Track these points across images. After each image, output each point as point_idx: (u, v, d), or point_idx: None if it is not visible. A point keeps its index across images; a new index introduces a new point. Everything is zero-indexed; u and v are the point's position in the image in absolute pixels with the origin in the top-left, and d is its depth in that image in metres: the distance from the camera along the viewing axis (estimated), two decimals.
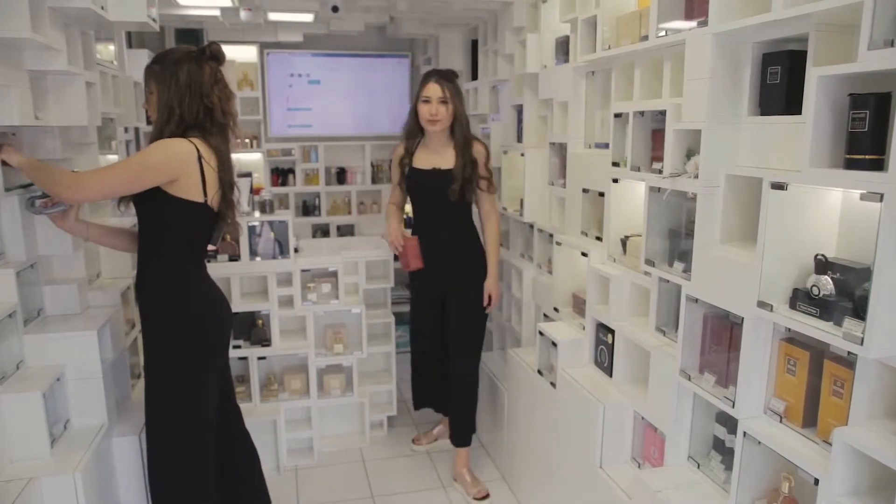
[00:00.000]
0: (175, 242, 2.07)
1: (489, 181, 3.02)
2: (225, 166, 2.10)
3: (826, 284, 1.58)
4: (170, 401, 2.09)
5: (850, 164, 1.48)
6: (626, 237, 2.46)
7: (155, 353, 2.10)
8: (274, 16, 4.25)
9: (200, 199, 2.03)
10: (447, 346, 3.16)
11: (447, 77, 2.93)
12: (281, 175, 5.29)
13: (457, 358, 3.14)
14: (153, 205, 2.01)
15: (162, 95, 2.03)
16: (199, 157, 2.00)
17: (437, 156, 3.00)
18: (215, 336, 2.15)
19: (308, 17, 4.32)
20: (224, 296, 2.24)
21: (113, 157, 3.01)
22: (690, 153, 2.02)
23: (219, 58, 2.08)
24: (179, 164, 1.97)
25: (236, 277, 3.24)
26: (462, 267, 3.07)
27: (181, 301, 2.07)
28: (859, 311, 1.47)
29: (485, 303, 3.06)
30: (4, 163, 2.06)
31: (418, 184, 3.04)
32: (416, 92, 2.99)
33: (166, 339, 2.07)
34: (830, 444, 1.52)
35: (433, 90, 2.90)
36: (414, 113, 2.99)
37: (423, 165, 3.02)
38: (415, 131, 3.03)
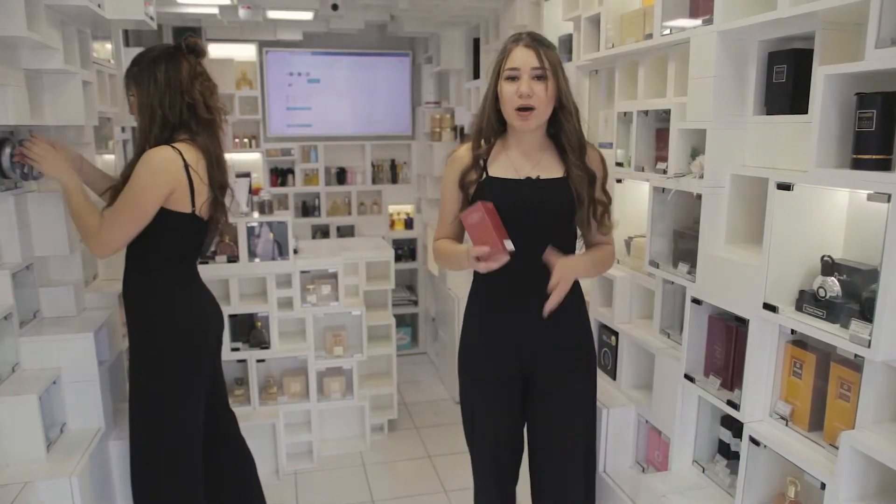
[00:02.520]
0: (159, 253, 2.02)
1: (606, 209, 1.89)
2: (215, 167, 2.03)
3: (833, 286, 1.57)
4: (149, 405, 2.06)
5: (857, 164, 1.47)
6: (630, 238, 2.45)
7: (138, 358, 2.07)
8: (273, 14, 4.22)
9: (187, 210, 1.97)
10: (535, 470, 2.02)
11: (544, 42, 1.80)
12: (280, 175, 5.26)
13: (556, 495, 1.98)
14: None
15: (142, 97, 1.97)
16: (186, 166, 1.93)
17: (527, 161, 1.86)
18: (199, 343, 2.10)
19: (308, 16, 4.30)
20: (214, 303, 2.20)
21: (110, 158, 2.99)
22: (695, 153, 2.01)
23: (197, 51, 2.03)
24: (169, 176, 1.91)
25: (235, 279, 3.21)
26: (562, 344, 1.90)
27: (164, 310, 2.03)
28: (866, 313, 1.46)
29: (553, 283, 1.74)
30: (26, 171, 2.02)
31: (501, 201, 1.79)
32: (495, 66, 1.82)
33: (148, 346, 2.04)
34: (837, 448, 1.52)
35: (523, 58, 1.74)
36: (493, 100, 1.83)
37: (508, 173, 1.85)
38: (492, 128, 1.87)
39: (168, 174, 1.91)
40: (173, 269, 2.06)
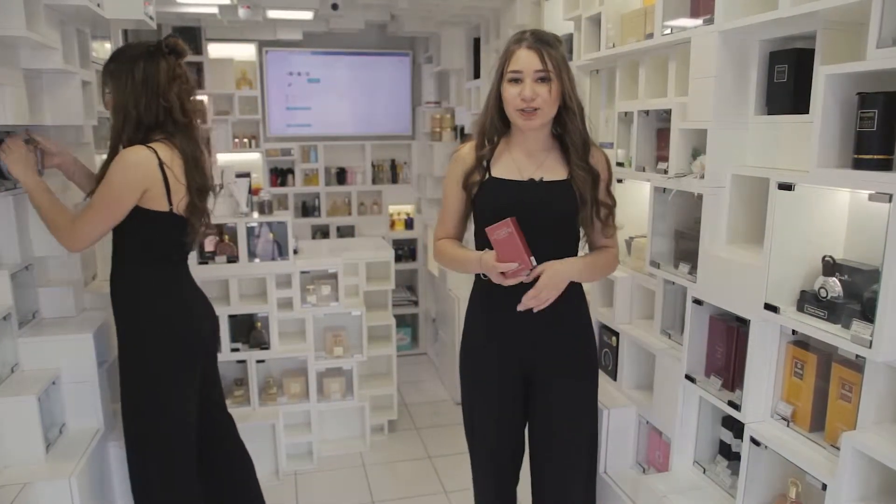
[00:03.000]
0: (141, 251, 2.01)
1: (610, 211, 1.86)
2: (193, 169, 1.99)
3: (834, 286, 1.57)
4: (140, 406, 2.05)
5: (859, 164, 1.46)
6: (631, 238, 2.44)
7: (126, 358, 2.06)
8: (273, 13, 4.21)
9: (164, 209, 1.95)
10: (536, 470, 2.00)
11: (548, 41, 1.76)
12: (280, 175, 5.25)
13: (556, 495, 1.96)
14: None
15: (117, 96, 1.94)
16: (161, 164, 1.91)
17: (531, 161, 1.84)
18: (188, 343, 2.09)
19: (307, 15, 4.29)
20: (206, 303, 2.19)
21: None
22: (696, 153, 2.00)
23: (178, 51, 1.98)
24: (143, 175, 1.89)
25: (234, 279, 3.20)
26: (563, 343, 1.89)
27: (149, 309, 2.02)
28: (868, 314, 1.46)
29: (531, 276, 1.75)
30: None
31: (503, 203, 1.79)
32: (498, 67, 1.80)
33: (135, 346, 2.03)
34: (838, 449, 1.51)
35: (526, 60, 1.72)
36: (496, 100, 1.82)
37: (511, 174, 1.84)
38: (495, 128, 1.85)
39: (142, 172, 1.89)
40: (157, 268, 2.04)
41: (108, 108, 2.02)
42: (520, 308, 1.76)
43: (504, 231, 1.68)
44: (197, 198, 2.03)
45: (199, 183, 2.03)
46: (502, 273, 1.71)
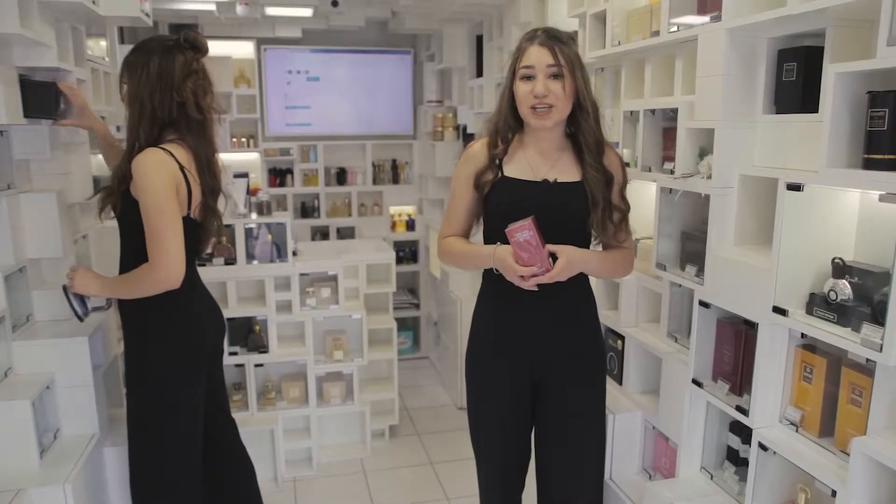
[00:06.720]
0: None
1: (624, 214, 1.84)
2: (206, 170, 1.97)
3: (844, 289, 1.55)
4: (145, 414, 2.01)
5: (869, 164, 1.45)
6: (637, 240, 2.41)
7: (132, 365, 2.02)
8: (272, 10, 4.21)
9: (183, 213, 1.90)
10: (543, 476, 1.99)
11: (560, 38, 1.74)
12: (279, 175, 5.23)
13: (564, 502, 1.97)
14: (132, 220, 1.88)
15: (133, 87, 1.91)
16: (180, 167, 1.88)
17: (544, 161, 1.82)
18: (196, 349, 2.05)
19: (307, 12, 4.28)
20: (214, 306, 2.16)
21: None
22: (703, 153, 1.99)
23: (196, 46, 1.96)
24: (170, 171, 1.85)
25: (232, 281, 3.18)
26: (574, 348, 1.87)
27: (160, 318, 1.98)
28: (878, 317, 1.44)
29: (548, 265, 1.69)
30: (78, 295, 2.03)
31: (516, 203, 1.77)
32: (510, 65, 1.78)
33: (142, 352, 2.00)
34: (848, 455, 1.50)
35: (539, 56, 1.71)
36: (509, 98, 1.80)
37: (524, 174, 1.81)
38: (508, 126, 1.82)
39: (168, 172, 1.85)
40: None
41: (123, 101, 1.99)
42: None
43: (526, 234, 1.65)
44: (210, 199, 2.01)
45: (211, 184, 2.00)
46: (522, 277, 1.69)
